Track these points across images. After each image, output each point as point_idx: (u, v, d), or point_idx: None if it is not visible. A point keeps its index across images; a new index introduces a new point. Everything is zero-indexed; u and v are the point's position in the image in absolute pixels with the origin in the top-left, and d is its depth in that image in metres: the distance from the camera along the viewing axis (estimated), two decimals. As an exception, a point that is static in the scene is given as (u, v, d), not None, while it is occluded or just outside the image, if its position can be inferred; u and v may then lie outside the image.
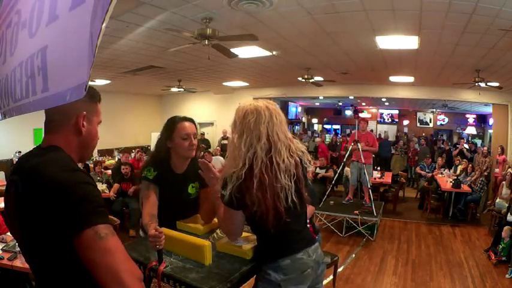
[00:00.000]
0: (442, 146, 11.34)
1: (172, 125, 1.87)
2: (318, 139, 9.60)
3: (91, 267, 0.86)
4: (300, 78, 7.09)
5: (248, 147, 1.33)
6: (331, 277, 3.65)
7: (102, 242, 0.85)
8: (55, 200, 0.86)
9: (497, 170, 7.50)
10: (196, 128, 1.93)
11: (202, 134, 10.83)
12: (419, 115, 15.26)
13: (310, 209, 3.00)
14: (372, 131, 6.35)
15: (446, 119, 14.82)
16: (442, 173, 7.62)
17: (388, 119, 15.70)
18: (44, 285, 1.02)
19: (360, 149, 5.47)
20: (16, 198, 0.96)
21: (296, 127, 15.86)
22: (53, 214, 0.86)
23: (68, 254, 0.88)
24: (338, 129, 16.72)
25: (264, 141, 1.33)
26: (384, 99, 12.13)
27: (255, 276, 1.46)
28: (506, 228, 4.48)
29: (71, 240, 0.86)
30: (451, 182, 6.54)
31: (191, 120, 1.92)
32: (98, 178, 6.10)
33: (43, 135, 1.06)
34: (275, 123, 1.36)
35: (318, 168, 7.50)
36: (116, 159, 8.75)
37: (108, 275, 0.85)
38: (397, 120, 15.55)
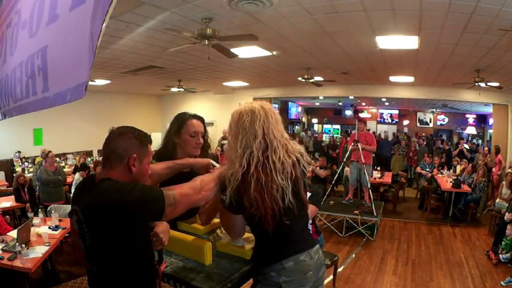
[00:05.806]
0: (441, 146, 11.33)
1: (181, 121, 1.85)
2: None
3: None
4: (300, 78, 7.08)
5: (244, 147, 1.31)
6: (331, 277, 3.65)
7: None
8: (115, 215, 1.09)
9: (493, 170, 7.53)
10: (204, 127, 1.91)
11: None
12: (419, 115, 15.26)
13: (312, 209, 2.98)
14: (369, 130, 6.35)
15: (446, 119, 14.81)
16: (441, 173, 7.63)
17: (388, 119, 15.69)
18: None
19: (360, 149, 5.48)
20: (79, 223, 1.18)
21: (296, 127, 15.86)
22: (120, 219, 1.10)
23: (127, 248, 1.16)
24: (337, 129, 16.77)
25: (259, 139, 1.31)
26: (384, 99, 12.13)
27: (252, 279, 1.43)
28: (509, 226, 4.48)
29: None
30: (451, 182, 6.55)
31: (200, 119, 1.90)
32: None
33: (100, 169, 1.27)
34: (270, 122, 1.34)
35: (317, 168, 7.50)
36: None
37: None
38: (397, 120, 15.54)
